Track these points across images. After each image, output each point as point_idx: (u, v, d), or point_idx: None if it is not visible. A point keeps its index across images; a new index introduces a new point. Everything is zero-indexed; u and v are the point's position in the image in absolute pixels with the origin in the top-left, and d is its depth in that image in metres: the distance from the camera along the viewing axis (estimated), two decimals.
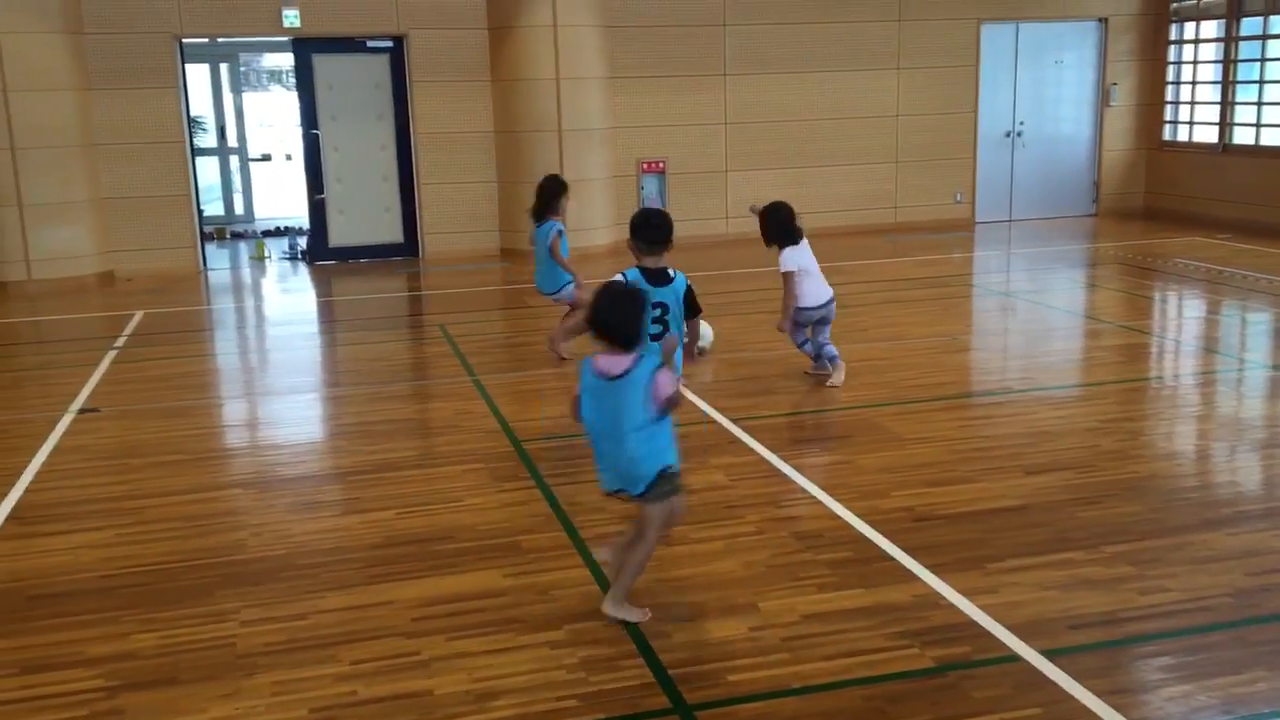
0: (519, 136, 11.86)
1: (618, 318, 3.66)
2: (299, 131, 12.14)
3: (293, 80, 12.09)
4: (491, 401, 6.59)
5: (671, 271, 4.89)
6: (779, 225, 6.62)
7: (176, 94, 11.35)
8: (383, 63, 11.96)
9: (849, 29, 12.99)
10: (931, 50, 13.33)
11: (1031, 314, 8.83)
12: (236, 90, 16.03)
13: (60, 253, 10.88)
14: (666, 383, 3.61)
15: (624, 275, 4.79)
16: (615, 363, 3.64)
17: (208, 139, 15.79)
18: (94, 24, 10.97)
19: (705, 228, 12.47)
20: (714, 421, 6.04)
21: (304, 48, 11.80)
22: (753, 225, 6.87)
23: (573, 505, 4.88)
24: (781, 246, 6.60)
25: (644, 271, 4.86)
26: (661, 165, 12.60)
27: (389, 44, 11.90)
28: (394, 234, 12.38)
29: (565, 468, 5.38)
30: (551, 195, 7.28)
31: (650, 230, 4.89)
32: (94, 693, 3.46)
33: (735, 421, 6.00)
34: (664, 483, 3.71)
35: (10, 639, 3.82)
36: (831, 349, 6.67)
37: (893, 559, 4.24)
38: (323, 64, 11.87)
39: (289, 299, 10.95)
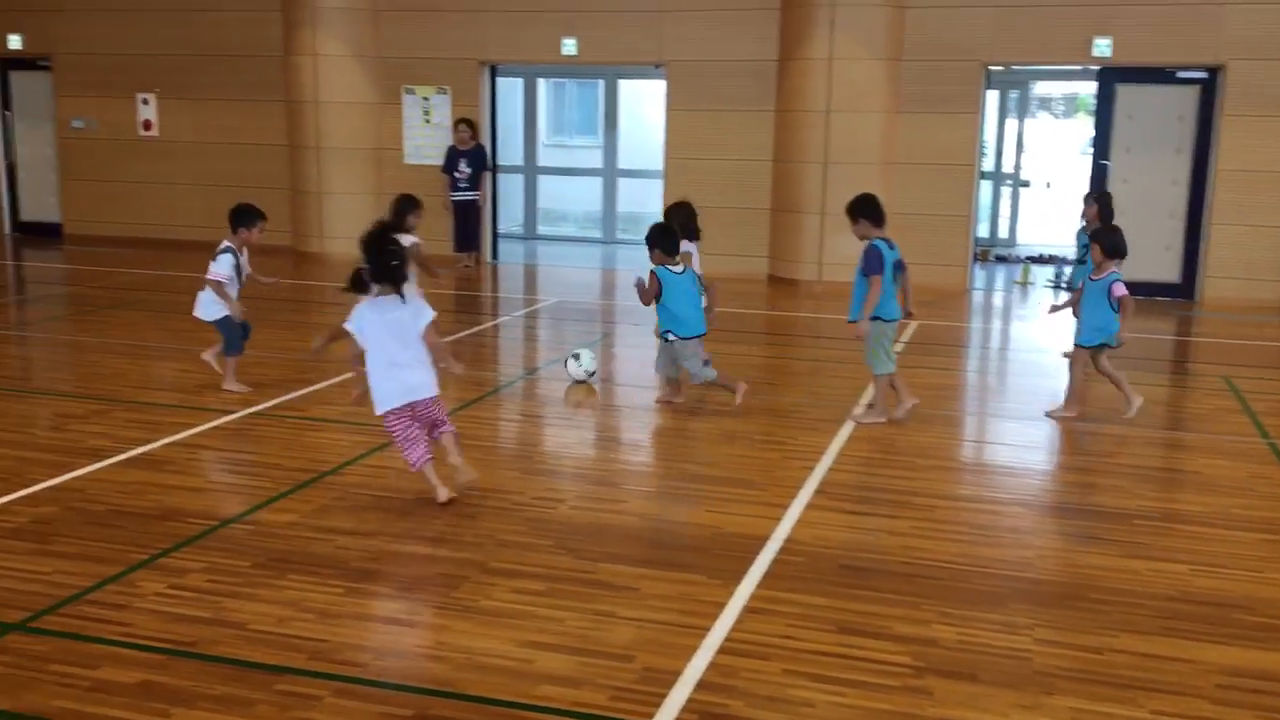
0: None
1: None
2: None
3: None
4: None
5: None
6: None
7: (975, 119, 11.84)
8: (1191, 94, 11.35)
9: None
10: None
11: None
12: (1020, 117, 16.29)
13: (843, 259, 11.92)
14: None
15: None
16: None
17: (985, 163, 16.26)
18: (911, 51, 11.82)
19: None
20: None
21: (1109, 77, 11.61)
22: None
23: None
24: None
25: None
26: None
27: (1201, 75, 11.25)
28: (1170, 273, 11.76)
29: None
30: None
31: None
32: (902, 668, 3.76)
33: None
34: None
35: (827, 598, 4.29)
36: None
37: None
38: (1125, 94, 11.59)
39: (1049, 325, 10.83)
